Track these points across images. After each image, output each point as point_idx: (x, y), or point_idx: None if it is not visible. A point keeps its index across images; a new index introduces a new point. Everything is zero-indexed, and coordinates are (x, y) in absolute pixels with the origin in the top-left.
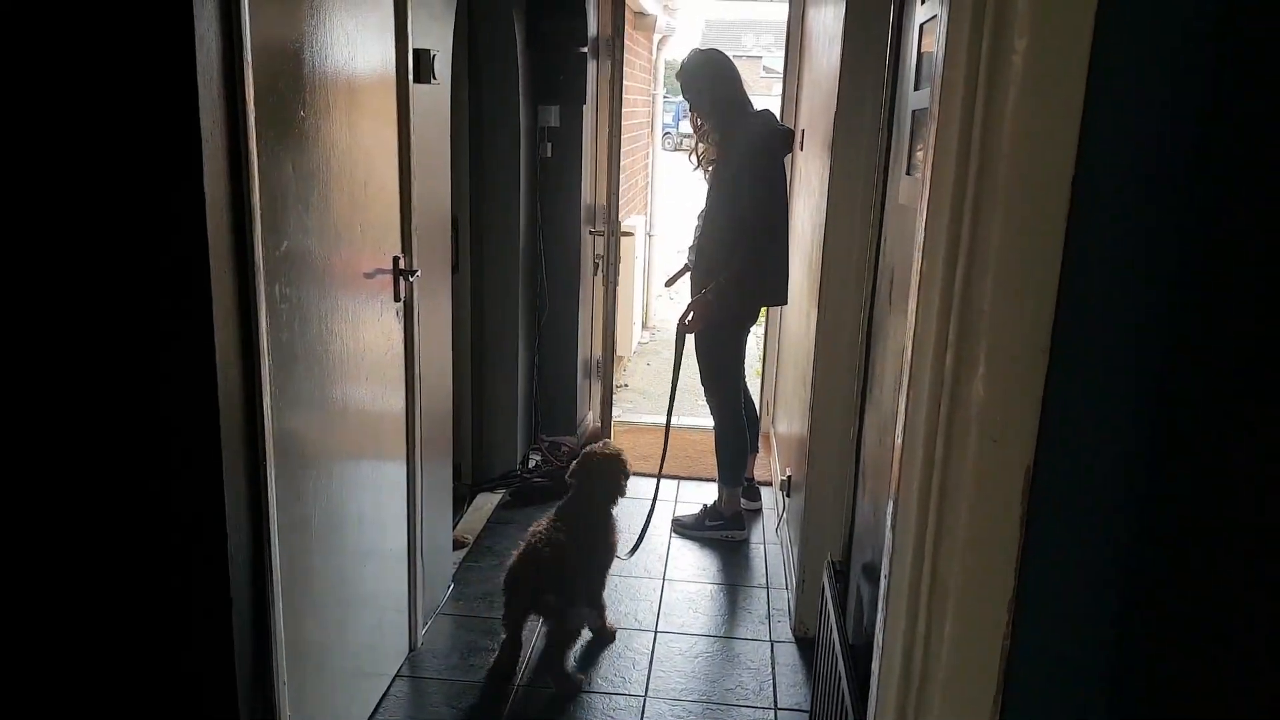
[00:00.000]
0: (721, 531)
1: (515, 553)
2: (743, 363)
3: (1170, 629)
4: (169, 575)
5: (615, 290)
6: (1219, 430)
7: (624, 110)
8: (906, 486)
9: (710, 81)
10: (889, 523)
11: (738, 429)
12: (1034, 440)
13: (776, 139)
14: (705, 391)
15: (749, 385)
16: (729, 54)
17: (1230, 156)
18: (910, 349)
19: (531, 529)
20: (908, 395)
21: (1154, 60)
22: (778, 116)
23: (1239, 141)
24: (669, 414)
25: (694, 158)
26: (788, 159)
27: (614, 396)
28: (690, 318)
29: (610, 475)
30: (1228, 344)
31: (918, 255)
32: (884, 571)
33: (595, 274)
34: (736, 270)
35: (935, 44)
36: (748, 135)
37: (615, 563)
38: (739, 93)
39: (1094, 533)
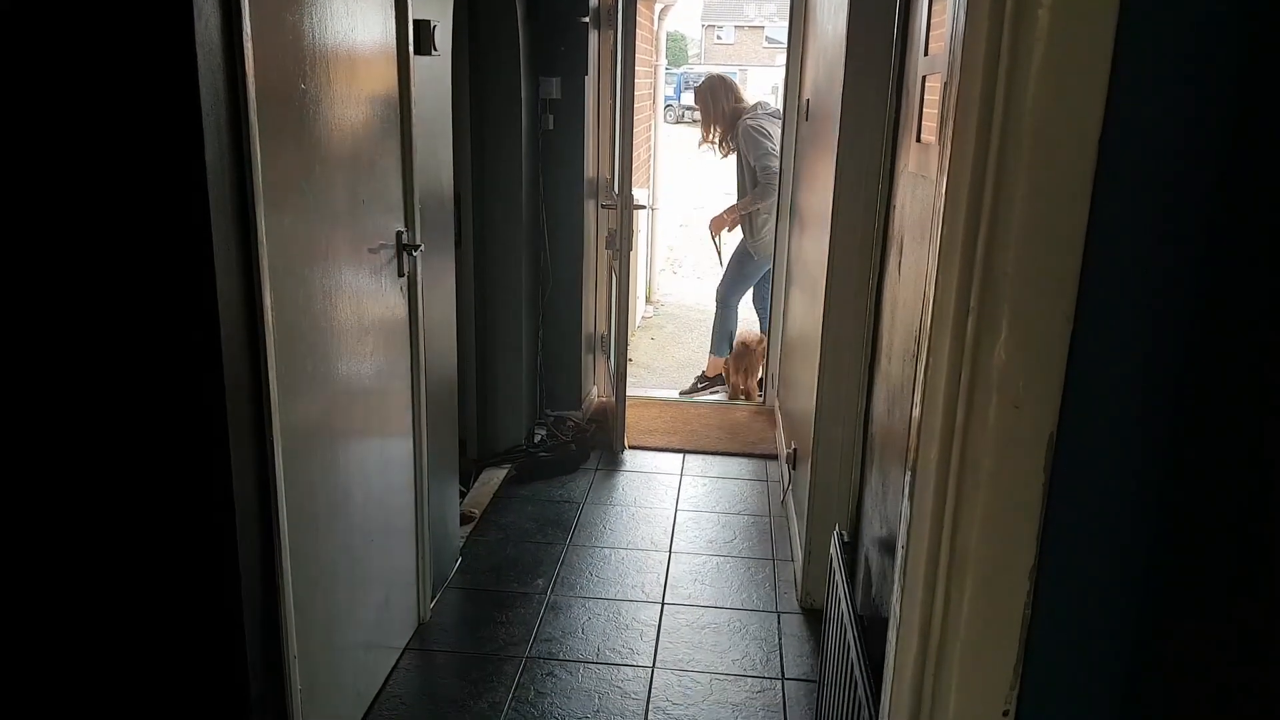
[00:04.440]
0: (708, 389)
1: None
2: (738, 288)
3: (1194, 599)
4: (179, 552)
5: (628, 264)
6: (1246, 397)
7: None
8: (925, 456)
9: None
10: (906, 493)
11: (721, 319)
12: (1057, 407)
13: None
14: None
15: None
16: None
17: (1266, 115)
18: (930, 315)
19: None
20: (926, 362)
21: (1185, 17)
22: (779, 90)
23: (1275, 100)
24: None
25: (717, 151)
26: (776, 131)
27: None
28: (721, 215)
29: None
30: (1257, 310)
31: (937, 219)
32: (901, 542)
33: (606, 248)
34: (745, 202)
35: (953, 2)
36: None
37: (621, 535)
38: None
39: (1117, 501)
